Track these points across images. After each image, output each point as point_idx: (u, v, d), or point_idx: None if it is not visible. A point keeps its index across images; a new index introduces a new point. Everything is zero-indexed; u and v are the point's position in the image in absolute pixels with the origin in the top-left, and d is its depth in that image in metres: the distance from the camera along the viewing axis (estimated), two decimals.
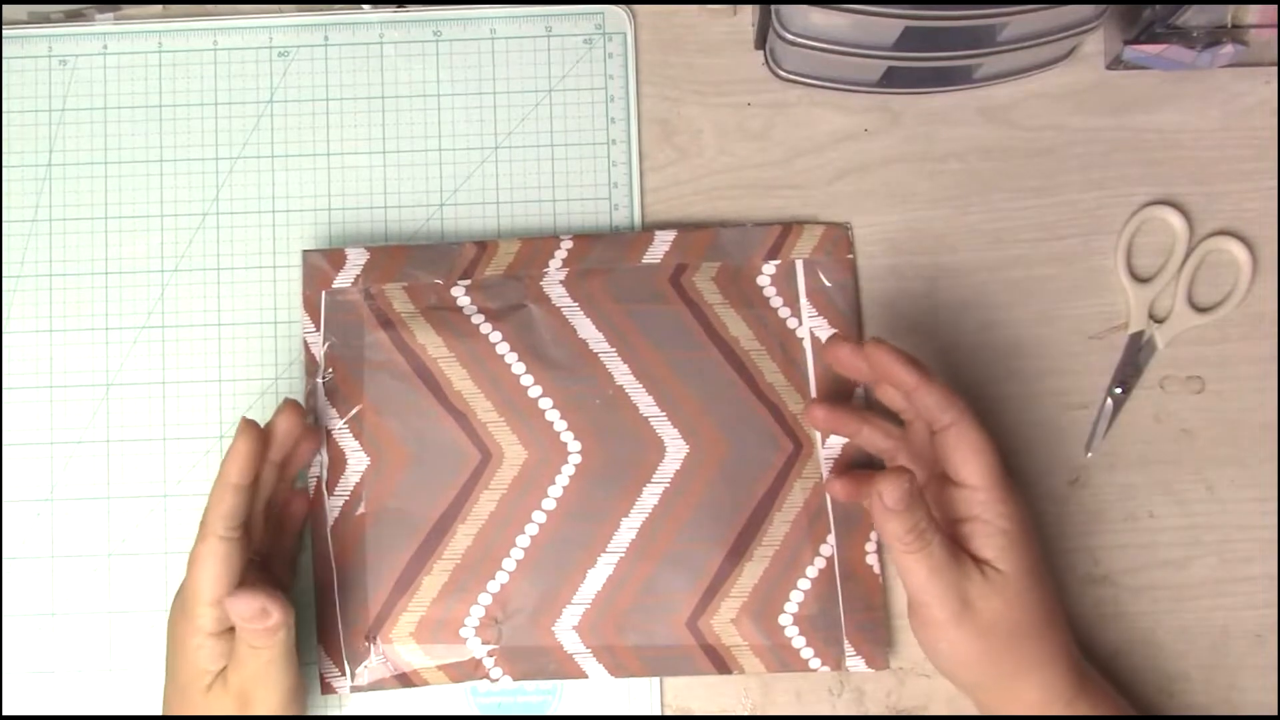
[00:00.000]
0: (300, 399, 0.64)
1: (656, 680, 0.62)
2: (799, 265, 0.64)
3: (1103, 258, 0.65)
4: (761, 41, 0.65)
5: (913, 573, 0.54)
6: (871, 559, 0.61)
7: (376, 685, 0.61)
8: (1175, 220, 0.64)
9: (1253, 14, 0.61)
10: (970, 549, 0.54)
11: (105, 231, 0.65)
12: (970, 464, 0.54)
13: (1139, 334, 0.64)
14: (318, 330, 0.63)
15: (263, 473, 0.58)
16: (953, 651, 0.55)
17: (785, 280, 0.64)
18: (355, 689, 0.61)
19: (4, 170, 0.66)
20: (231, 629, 0.55)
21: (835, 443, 0.62)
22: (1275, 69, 0.65)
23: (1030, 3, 0.57)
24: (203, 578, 0.53)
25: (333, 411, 0.62)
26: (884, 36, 0.59)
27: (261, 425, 0.55)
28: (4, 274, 0.65)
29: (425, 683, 0.61)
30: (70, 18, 0.67)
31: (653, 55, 0.66)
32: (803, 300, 0.63)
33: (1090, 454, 0.63)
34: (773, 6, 0.60)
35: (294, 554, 0.62)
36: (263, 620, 0.53)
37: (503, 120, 0.66)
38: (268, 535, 0.60)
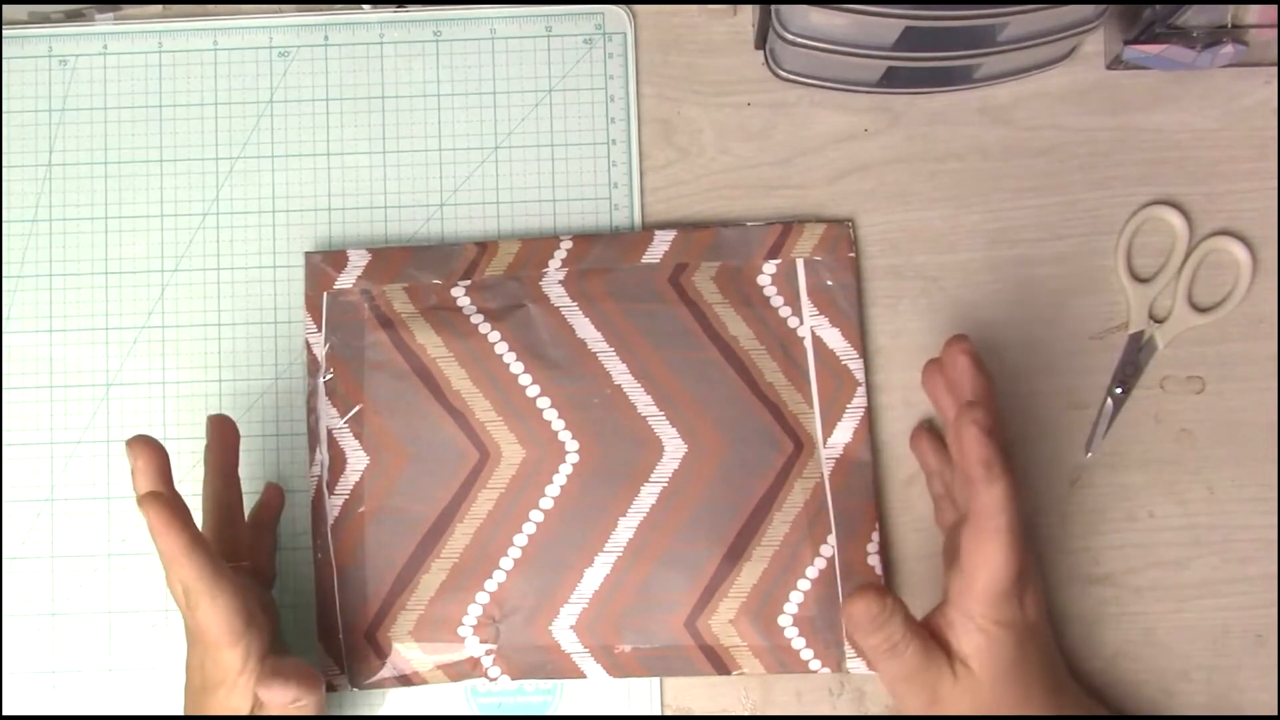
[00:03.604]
0: (301, 398, 0.64)
1: (656, 680, 0.62)
2: (800, 264, 0.64)
3: (1103, 258, 0.65)
4: (761, 41, 0.65)
5: (886, 674, 0.55)
6: (873, 560, 0.61)
7: (376, 684, 0.61)
8: (1175, 220, 0.64)
9: (1253, 14, 0.61)
10: (949, 637, 0.54)
11: (105, 231, 0.65)
12: (980, 571, 0.53)
13: (1139, 334, 0.64)
14: (319, 331, 0.63)
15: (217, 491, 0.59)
16: None
17: (786, 279, 0.63)
18: (355, 687, 0.61)
19: (4, 170, 0.66)
20: (261, 657, 0.55)
21: (836, 442, 0.62)
22: (1275, 69, 0.65)
23: (1030, 2, 0.57)
24: (212, 630, 0.53)
25: (333, 411, 0.62)
26: (884, 36, 0.59)
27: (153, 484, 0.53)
28: (4, 274, 0.65)
29: (424, 681, 0.61)
30: (70, 18, 0.67)
31: (653, 55, 0.66)
32: (804, 299, 0.63)
33: (1090, 454, 0.63)
34: (773, 6, 0.60)
35: (273, 548, 0.63)
36: (295, 705, 0.54)
37: (503, 120, 0.66)
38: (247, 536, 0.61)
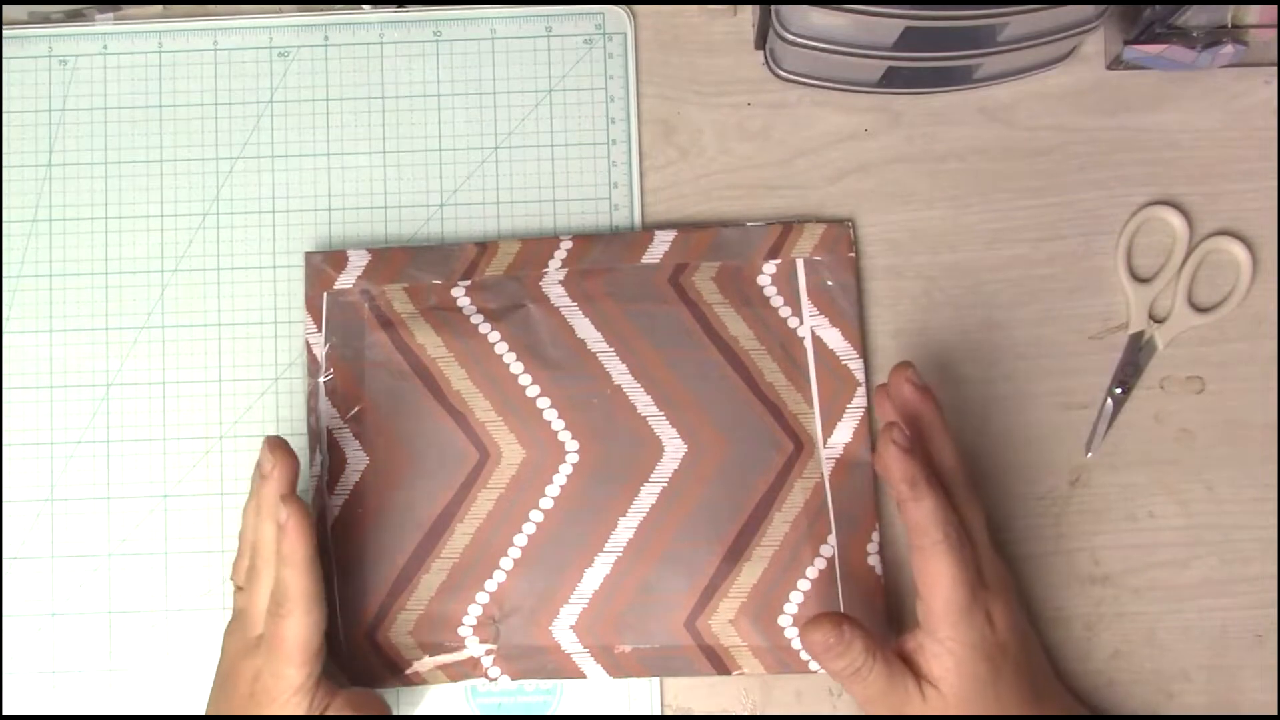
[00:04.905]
0: (301, 398, 0.64)
1: (656, 680, 0.62)
2: (800, 264, 0.64)
3: (1103, 258, 0.65)
4: (761, 41, 0.65)
5: (854, 694, 0.56)
6: (873, 560, 0.61)
7: (376, 684, 0.61)
8: (1175, 220, 0.64)
9: (1253, 14, 0.61)
10: (917, 660, 0.55)
11: (105, 231, 0.65)
12: (933, 590, 0.54)
13: (1139, 334, 0.64)
14: (319, 331, 0.63)
15: None
16: None
17: (786, 279, 0.63)
18: (356, 686, 0.61)
19: (4, 170, 0.66)
20: (318, 681, 0.55)
21: (836, 442, 0.62)
22: (1275, 69, 0.65)
23: (1030, 2, 0.57)
24: (291, 642, 0.54)
25: (333, 411, 0.62)
26: (884, 36, 0.59)
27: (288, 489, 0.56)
28: (4, 274, 0.65)
29: (424, 682, 0.61)
30: (70, 18, 0.67)
31: (653, 55, 0.66)
32: (804, 299, 0.63)
33: (1090, 454, 0.63)
34: (773, 6, 0.60)
35: None
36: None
37: (503, 120, 0.66)
38: None
